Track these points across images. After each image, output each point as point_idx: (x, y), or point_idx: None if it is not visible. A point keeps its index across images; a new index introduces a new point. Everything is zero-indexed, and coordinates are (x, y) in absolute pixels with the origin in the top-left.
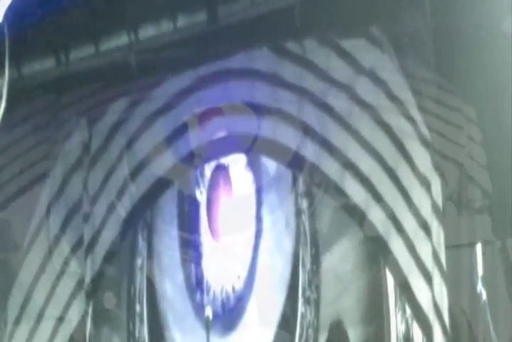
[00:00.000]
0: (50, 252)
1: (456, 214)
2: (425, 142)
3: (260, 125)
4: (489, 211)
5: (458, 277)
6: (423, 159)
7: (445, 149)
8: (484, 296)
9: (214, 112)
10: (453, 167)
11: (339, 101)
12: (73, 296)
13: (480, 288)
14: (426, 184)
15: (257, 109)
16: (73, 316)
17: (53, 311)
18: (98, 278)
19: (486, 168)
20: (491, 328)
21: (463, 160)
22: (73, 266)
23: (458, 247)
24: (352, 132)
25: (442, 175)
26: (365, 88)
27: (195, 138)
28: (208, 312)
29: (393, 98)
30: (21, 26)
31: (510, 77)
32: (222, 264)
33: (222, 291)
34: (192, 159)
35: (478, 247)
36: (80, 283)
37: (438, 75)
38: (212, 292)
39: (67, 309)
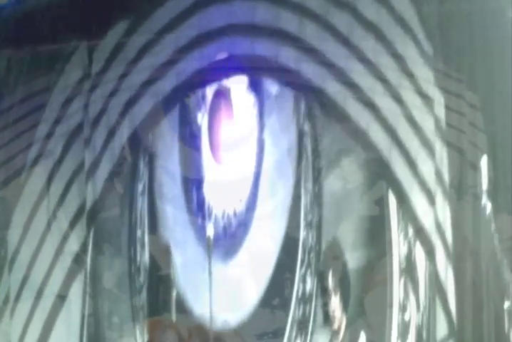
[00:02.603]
0: (51, 177)
1: (457, 200)
2: (428, 60)
3: (261, 46)
4: (490, 197)
5: (461, 194)
6: (425, 77)
7: (447, 135)
8: (488, 210)
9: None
10: (455, 154)
11: (340, 19)
12: (74, 222)
13: (484, 201)
14: (428, 103)
15: (259, 29)
16: (74, 242)
17: (54, 236)
18: (99, 204)
19: (488, 154)
20: (496, 243)
21: (464, 147)
22: (74, 191)
23: (460, 163)
24: (355, 52)
25: (445, 94)
26: (368, 6)
27: (197, 59)
28: (210, 231)
29: (396, 17)
30: None
31: None
32: (224, 187)
33: (223, 215)
34: (193, 81)
35: (483, 162)
36: (81, 208)
37: (440, 60)
38: (213, 216)
39: (68, 235)
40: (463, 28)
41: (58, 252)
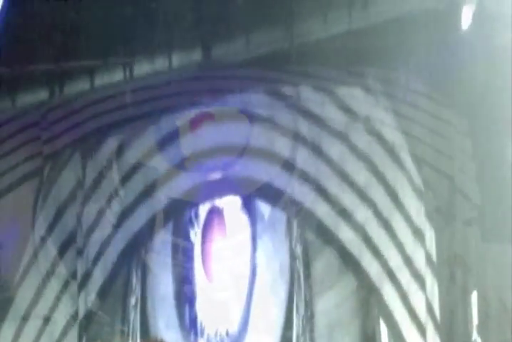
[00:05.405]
0: (43, 286)
1: (445, 226)
2: (419, 192)
3: (255, 168)
4: (478, 223)
5: (452, 327)
6: (417, 210)
7: (435, 162)
8: None
9: (209, 152)
10: (444, 180)
11: (333, 148)
12: (65, 332)
13: (475, 337)
14: (419, 236)
15: (252, 151)
16: None
17: None
18: (90, 315)
19: (476, 180)
20: None
21: (453, 173)
22: (66, 301)
23: (452, 297)
24: (346, 179)
25: (436, 227)
26: (359, 136)
27: (190, 178)
28: None
29: (387, 148)
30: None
31: (501, 89)
32: (216, 307)
33: (216, 334)
34: (186, 199)
35: (474, 296)
36: (72, 318)
37: (431, 87)
38: (206, 334)
39: None
40: None
41: None
